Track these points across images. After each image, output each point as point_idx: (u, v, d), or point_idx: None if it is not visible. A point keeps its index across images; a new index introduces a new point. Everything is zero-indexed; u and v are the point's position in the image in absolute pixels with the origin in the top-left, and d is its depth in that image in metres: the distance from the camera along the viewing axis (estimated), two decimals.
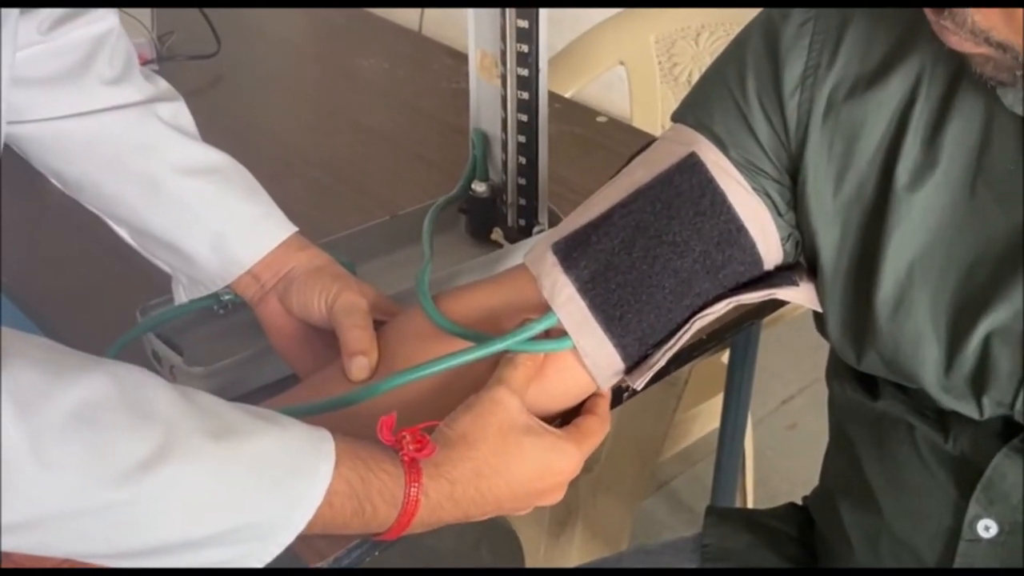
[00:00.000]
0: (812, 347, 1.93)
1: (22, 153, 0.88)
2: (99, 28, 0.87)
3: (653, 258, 0.72)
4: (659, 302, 0.72)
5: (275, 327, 0.86)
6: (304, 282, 0.84)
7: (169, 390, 0.59)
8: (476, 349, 0.72)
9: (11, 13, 0.74)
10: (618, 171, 0.78)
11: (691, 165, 0.72)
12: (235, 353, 0.85)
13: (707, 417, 1.45)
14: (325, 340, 0.81)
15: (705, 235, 0.72)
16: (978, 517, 0.73)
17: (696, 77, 1.59)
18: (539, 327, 0.73)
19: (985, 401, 0.68)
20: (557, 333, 0.73)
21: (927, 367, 0.69)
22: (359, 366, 0.75)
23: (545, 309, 0.73)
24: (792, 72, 0.71)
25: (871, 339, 0.72)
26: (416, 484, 0.65)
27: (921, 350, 0.69)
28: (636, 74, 1.59)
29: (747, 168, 0.72)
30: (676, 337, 0.73)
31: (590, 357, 0.73)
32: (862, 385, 0.78)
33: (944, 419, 0.72)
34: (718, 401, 1.40)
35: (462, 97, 1.10)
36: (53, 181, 0.89)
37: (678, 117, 0.77)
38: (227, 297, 0.88)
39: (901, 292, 0.69)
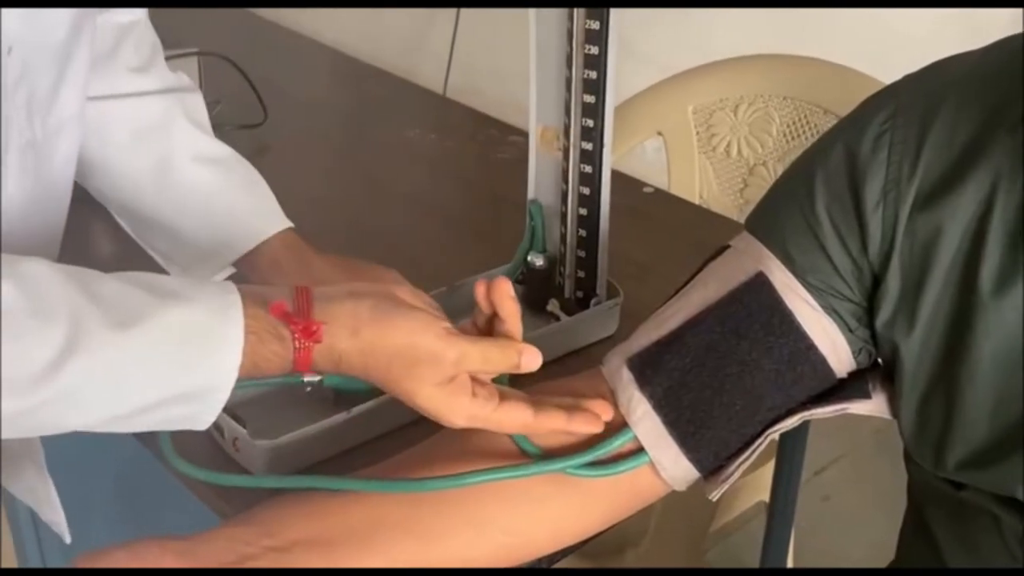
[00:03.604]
0: (843, 420, 1.92)
1: None
2: (126, 18, 0.92)
3: (724, 377, 0.73)
4: (731, 418, 0.74)
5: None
6: None
7: (69, 284, 0.62)
8: (556, 462, 0.74)
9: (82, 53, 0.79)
10: (690, 278, 0.79)
11: (759, 285, 0.73)
12: (300, 425, 0.85)
13: (752, 489, 1.44)
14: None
15: (775, 354, 0.72)
16: None
17: (735, 148, 1.61)
18: (617, 443, 0.75)
19: None
20: (635, 447, 0.75)
21: (1012, 475, 0.68)
22: None
23: (622, 418, 0.76)
24: (872, 187, 0.70)
25: (953, 449, 0.70)
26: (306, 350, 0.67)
27: (1006, 459, 0.68)
28: (674, 145, 1.60)
29: (816, 288, 0.73)
30: (750, 451, 0.75)
31: (667, 471, 0.75)
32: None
33: None
34: (763, 472, 1.39)
35: (510, 167, 1.11)
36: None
37: (750, 226, 0.77)
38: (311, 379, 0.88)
39: (996, 402, 0.68)
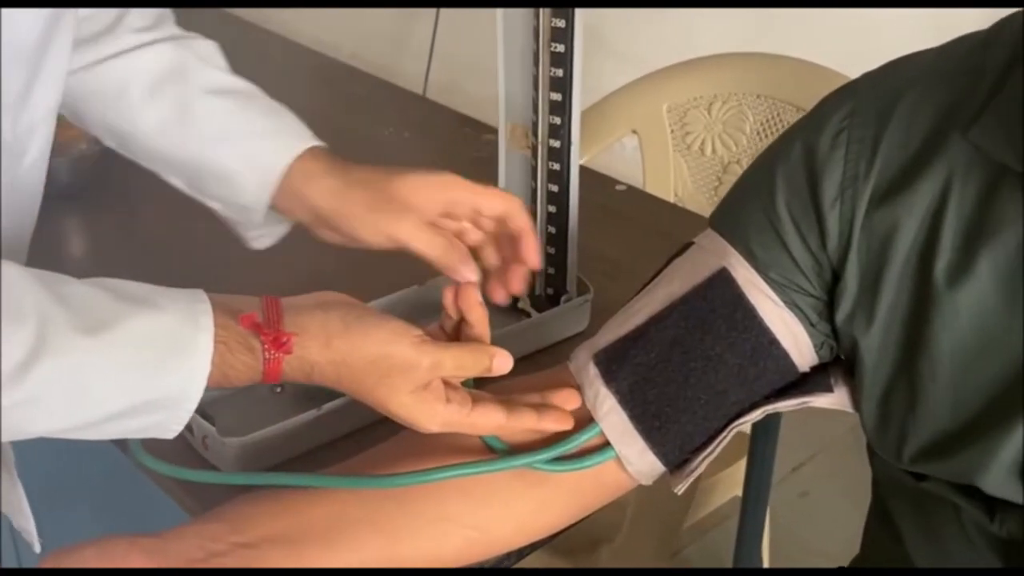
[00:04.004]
0: (821, 415, 1.93)
1: (76, 117, 0.91)
2: None
3: (688, 371, 0.74)
4: (696, 412, 0.74)
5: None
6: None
7: (38, 287, 0.62)
8: (522, 457, 0.75)
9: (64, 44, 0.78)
10: (656, 274, 0.80)
11: (722, 280, 0.74)
12: (269, 423, 0.85)
13: (727, 485, 1.45)
14: None
15: (738, 349, 0.73)
16: None
17: (709, 146, 1.62)
18: (583, 438, 0.75)
19: None
20: (601, 441, 0.76)
21: (972, 464, 0.69)
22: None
23: (588, 413, 0.76)
24: (830, 184, 0.71)
25: (914, 439, 0.71)
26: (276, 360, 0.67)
27: (966, 449, 0.69)
28: (648, 143, 1.61)
29: (779, 283, 0.73)
30: (715, 444, 0.75)
31: (633, 465, 0.76)
32: None
33: (991, 502, 0.71)
34: (737, 468, 1.39)
35: (483, 166, 1.11)
36: (108, 142, 0.92)
37: (714, 223, 0.78)
38: None
39: (955, 394, 0.69)
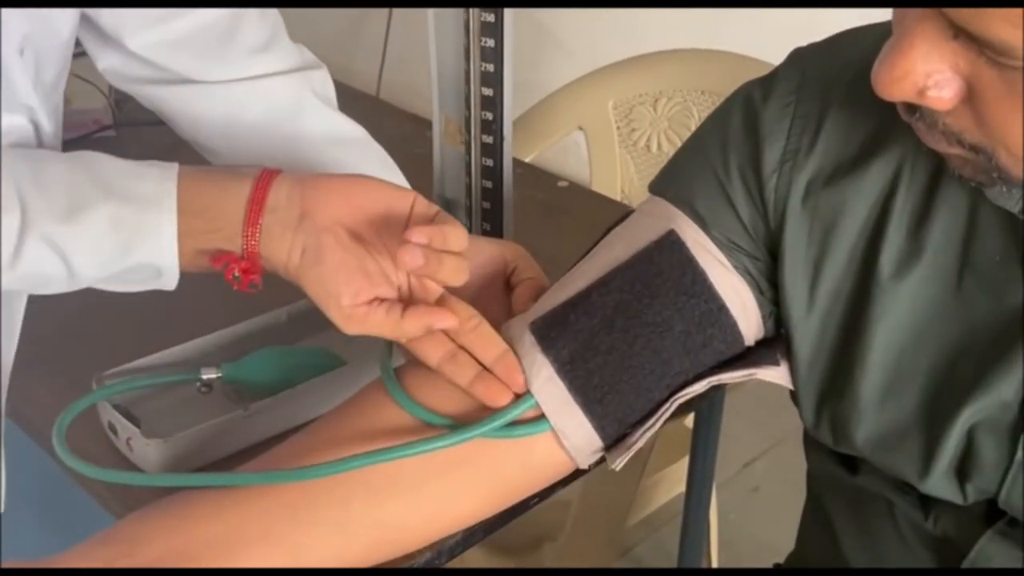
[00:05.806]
0: (772, 410, 1.93)
1: (170, 118, 0.91)
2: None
3: (633, 338, 0.71)
4: (639, 382, 0.71)
5: None
6: None
7: (22, 174, 0.68)
8: (449, 436, 0.71)
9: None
10: (594, 245, 0.77)
11: (671, 243, 0.71)
12: (194, 424, 0.83)
13: (671, 482, 1.44)
14: None
15: (686, 315, 0.70)
16: None
17: (655, 143, 1.62)
18: (516, 412, 0.71)
19: (969, 488, 0.67)
20: (535, 414, 0.72)
21: (909, 458, 0.68)
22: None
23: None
24: (771, 154, 0.70)
25: (851, 429, 0.70)
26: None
27: (904, 442, 0.68)
28: (595, 139, 1.60)
29: (728, 246, 0.71)
30: (656, 417, 0.72)
31: (570, 439, 0.72)
32: (840, 458, 0.76)
33: (925, 499, 0.70)
34: (681, 466, 1.39)
35: (422, 162, 1.10)
36: (200, 150, 0.92)
37: (656, 189, 0.75)
38: (209, 376, 0.86)
39: (888, 384, 0.68)
